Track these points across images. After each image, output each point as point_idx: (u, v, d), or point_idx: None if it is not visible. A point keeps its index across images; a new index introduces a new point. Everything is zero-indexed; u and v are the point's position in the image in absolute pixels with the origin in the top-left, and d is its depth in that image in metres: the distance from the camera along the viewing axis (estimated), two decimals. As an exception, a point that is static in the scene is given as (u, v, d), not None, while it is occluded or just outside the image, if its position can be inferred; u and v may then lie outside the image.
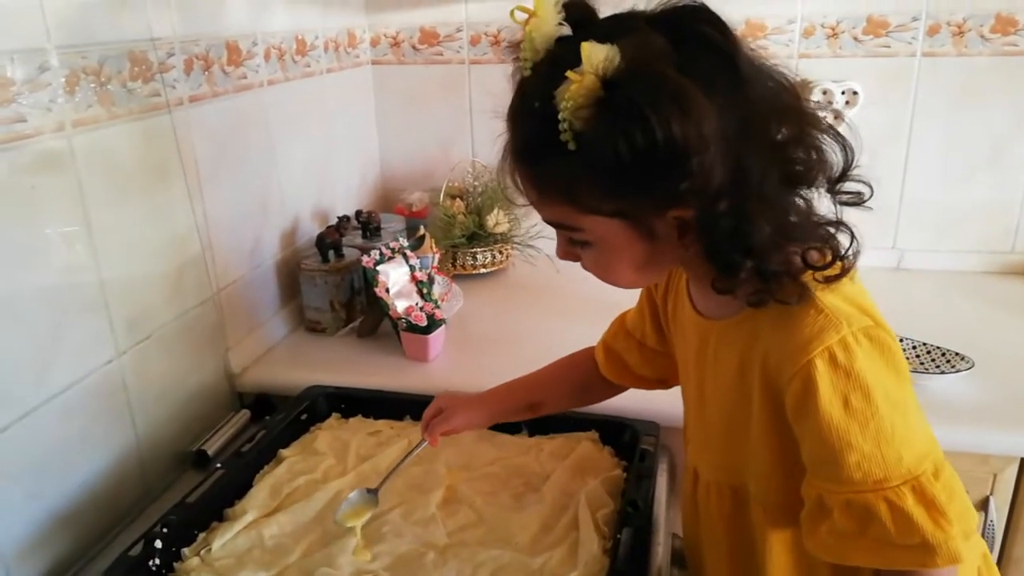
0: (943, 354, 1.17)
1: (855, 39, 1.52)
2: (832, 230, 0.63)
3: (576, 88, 0.56)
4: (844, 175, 0.63)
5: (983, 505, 1.08)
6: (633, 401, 1.07)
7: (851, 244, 0.64)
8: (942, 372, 1.13)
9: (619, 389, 0.96)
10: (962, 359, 1.14)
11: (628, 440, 0.99)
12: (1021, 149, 1.52)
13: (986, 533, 1.08)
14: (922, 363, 1.17)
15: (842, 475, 0.62)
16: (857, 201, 0.65)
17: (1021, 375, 1.16)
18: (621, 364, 0.93)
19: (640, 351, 0.90)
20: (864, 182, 0.64)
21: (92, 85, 0.91)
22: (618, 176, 0.58)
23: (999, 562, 1.13)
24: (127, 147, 0.98)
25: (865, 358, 0.61)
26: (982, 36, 1.47)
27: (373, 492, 0.89)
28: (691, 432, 0.83)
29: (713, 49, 0.58)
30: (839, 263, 0.63)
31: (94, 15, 0.92)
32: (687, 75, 0.55)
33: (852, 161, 0.63)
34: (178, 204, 1.08)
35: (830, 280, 0.62)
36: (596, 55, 0.55)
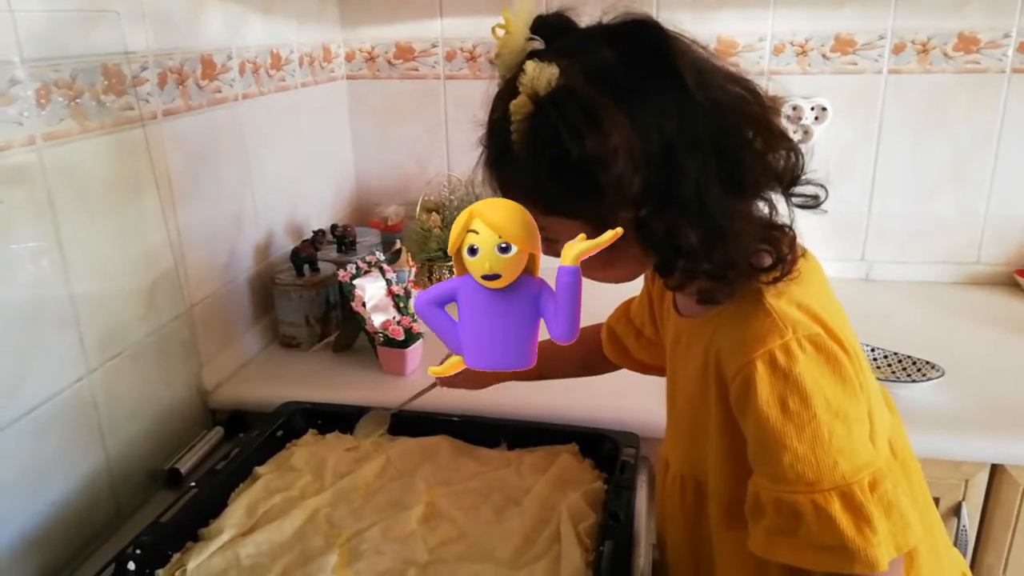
0: (914, 363, 1.19)
1: (823, 56, 1.55)
2: (777, 234, 0.65)
3: (513, 104, 0.62)
4: (795, 180, 0.66)
5: (955, 511, 1.10)
6: (612, 412, 1.08)
7: (791, 248, 0.66)
8: (913, 381, 1.15)
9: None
10: (932, 368, 1.16)
11: (608, 452, 0.99)
12: (984, 162, 1.56)
13: (959, 539, 1.10)
14: (893, 372, 1.19)
15: (776, 473, 0.63)
16: (812, 204, 0.67)
17: (989, 382, 1.18)
18: (621, 346, 0.97)
19: (637, 338, 0.94)
20: (820, 185, 0.67)
21: (63, 99, 0.90)
22: (556, 184, 0.62)
23: (972, 566, 1.15)
24: (99, 161, 0.96)
25: (807, 364, 0.62)
26: (945, 54, 1.52)
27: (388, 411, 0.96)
28: (668, 423, 0.85)
29: (657, 60, 0.61)
30: (779, 267, 0.65)
31: (67, 28, 0.91)
32: (624, 87, 0.60)
33: (801, 166, 0.65)
34: (151, 219, 1.07)
35: (775, 281, 0.65)
36: (531, 74, 0.60)
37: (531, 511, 0.89)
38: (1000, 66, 1.50)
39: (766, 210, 0.66)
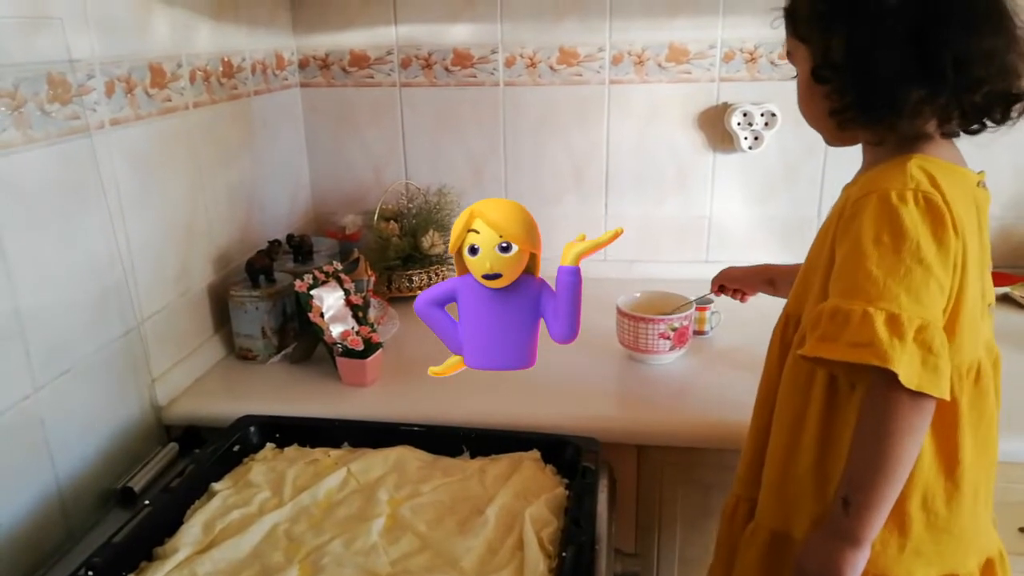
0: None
1: (772, 63, 1.59)
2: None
3: None
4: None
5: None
6: (573, 418, 1.08)
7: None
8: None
9: None
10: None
11: (570, 457, 0.99)
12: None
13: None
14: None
15: (844, 288, 0.72)
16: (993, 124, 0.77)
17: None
18: None
19: None
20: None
21: (5, 108, 0.87)
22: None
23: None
24: (45, 171, 0.94)
25: (914, 211, 0.71)
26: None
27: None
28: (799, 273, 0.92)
29: None
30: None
31: (7, 36, 0.88)
32: None
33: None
34: (99, 230, 1.04)
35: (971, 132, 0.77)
36: None
37: (495, 520, 0.89)
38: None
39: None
